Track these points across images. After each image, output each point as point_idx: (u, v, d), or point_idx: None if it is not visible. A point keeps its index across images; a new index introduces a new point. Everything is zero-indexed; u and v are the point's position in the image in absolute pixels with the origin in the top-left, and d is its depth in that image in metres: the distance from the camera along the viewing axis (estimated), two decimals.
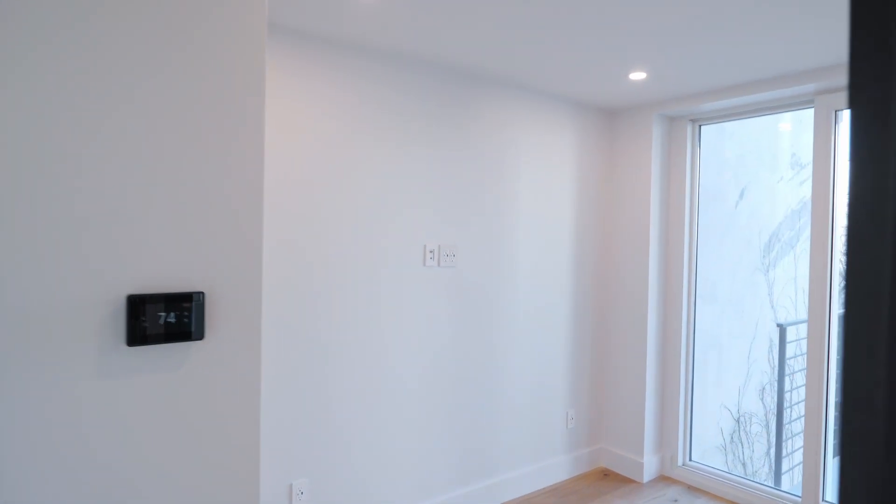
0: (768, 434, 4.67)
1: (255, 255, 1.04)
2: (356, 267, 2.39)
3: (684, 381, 3.28)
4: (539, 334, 3.09)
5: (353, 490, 2.41)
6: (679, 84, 2.79)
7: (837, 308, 2.69)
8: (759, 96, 2.77)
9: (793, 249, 4.92)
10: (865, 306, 0.42)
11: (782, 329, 3.99)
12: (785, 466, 4.33)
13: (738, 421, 4.43)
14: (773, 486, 3.08)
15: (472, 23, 2.06)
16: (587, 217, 3.31)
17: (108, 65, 0.91)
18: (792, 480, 4.35)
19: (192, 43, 0.98)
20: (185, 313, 0.94)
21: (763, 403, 4.66)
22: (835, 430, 2.72)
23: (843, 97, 2.60)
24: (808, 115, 4.70)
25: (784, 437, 4.30)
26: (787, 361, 4.09)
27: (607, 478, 3.26)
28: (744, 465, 4.47)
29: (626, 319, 3.33)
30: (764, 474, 4.58)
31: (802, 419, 4.36)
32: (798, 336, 4.45)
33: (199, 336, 0.97)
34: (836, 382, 2.68)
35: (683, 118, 3.24)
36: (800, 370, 4.41)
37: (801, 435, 4.45)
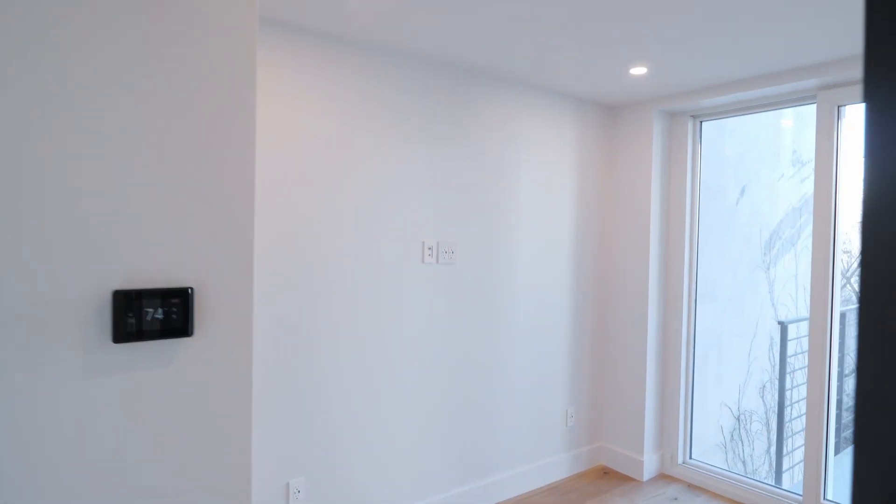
0: (768, 432, 4.66)
1: (246, 249, 1.01)
2: (354, 264, 2.37)
3: (684, 378, 3.26)
4: (538, 331, 3.07)
5: (351, 489, 2.39)
6: (680, 79, 2.76)
7: (839, 305, 2.67)
8: (760, 92, 2.74)
9: (793, 247, 4.90)
10: (880, 302, 0.40)
11: (783, 327, 3.97)
12: (785, 465, 4.31)
13: (738, 419, 4.42)
14: (773, 484, 3.06)
15: (471, 18, 2.03)
16: (587, 214, 3.29)
17: (93, 58, 0.88)
18: (792, 479, 4.34)
19: (183, 35, 0.95)
20: (174, 309, 0.92)
21: (763, 401, 4.64)
22: (836, 429, 2.70)
23: (845, 92, 2.57)
24: (810, 111, 4.67)
25: (784, 435, 4.28)
26: (788, 359, 4.07)
27: (607, 476, 3.25)
28: (744, 463, 4.45)
29: (626, 317, 3.30)
30: (764, 472, 4.56)
31: (802, 417, 4.35)
32: (798, 334, 4.43)
33: (188, 333, 0.94)
34: (838, 380, 2.66)
35: (684, 114, 3.21)
36: (800, 368, 4.39)
37: (802, 433, 4.44)
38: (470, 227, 2.75)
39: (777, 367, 4.57)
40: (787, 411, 4.24)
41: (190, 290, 0.94)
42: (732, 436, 4.37)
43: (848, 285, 5.81)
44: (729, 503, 2.93)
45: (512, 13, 2.00)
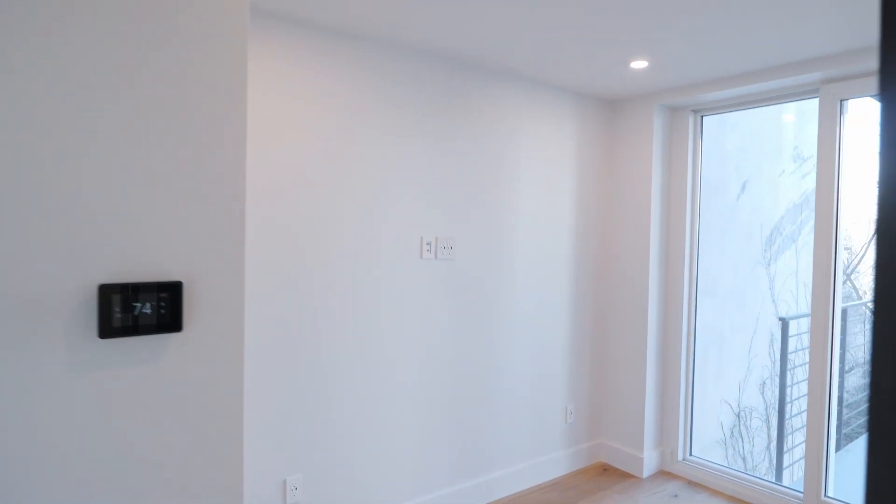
0: (768, 429, 4.64)
1: (237, 243, 0.99)
2: (351, 260, 2.34)
3: (685, 375, 3.24)
4: (537, 327, 3.05)
5: (349, 486, 2.37)
6: (681, 73, 2.73)
7: (840, 302, 2.65)
8: (762, 85, 2.71)
9: (794, 243, 4.88)
10: (895, 299, 0.38)
11: (784, 323, 3.95)
12: (785, 462, 4.30)
13: (738, 415, 4.40)
14: (774, 481, 3.04)
15: (470, 9, 2.00)
16: (587, 209, 3.26)
17: (78, 49, 0.85)
18: (792, 476, 4.32)
19: (174, 26, 0.93)
20: (162, 304, 0.89)
21: (763, 398, 4.63)
22: (837, 426, 2.68)
23: (848, 86, 2.55)
24: (812, 106, 4.64)
25: (785, 432, 4.27)
26: (789, 356, 4.05)
27: (607, 473, 3.23)
28: (744, 459, 4.44)
29: (627, 313, 3.28)
30: (764, 469, 4.55)
31: (802, 414, 4.33)
32: (799, 330, 4.42)
33: (177, 328, 0.92)
34: (839, 377, 2.64)
35: (685, 109, 3.18)
36: (800, 365, 4.37)
37: (802, 430, 4.43)
38: (469, 222, 2.72)
39: (777, 364, 4.55)
40: (788, 408, 4.22)
41: (179, 285, 0.91)
42: (732, 432, 4.36)
43: (848, 282, 5.79)
44: (729, 500, 2.92)
45: (511, 4, 1.97)
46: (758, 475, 3.06)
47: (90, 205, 0.86)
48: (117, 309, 0.86)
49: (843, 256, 2.66)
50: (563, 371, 3.19)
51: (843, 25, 2.11)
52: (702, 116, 3.19)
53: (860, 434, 4.69)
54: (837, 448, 3.73)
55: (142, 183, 0.90)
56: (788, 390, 4.14)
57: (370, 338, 2.41)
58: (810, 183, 4.87)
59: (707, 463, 3.14)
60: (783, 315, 4.66)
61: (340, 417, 2.34)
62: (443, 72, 2.59)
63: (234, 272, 0.99)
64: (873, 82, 2.48)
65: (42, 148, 0.83)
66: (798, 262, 4.90)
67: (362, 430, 2.40)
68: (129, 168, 0.90)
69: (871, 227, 5.65)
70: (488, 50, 2.47)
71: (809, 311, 2.74)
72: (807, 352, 4.32)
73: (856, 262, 5.85)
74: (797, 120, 4.92)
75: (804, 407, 4.32)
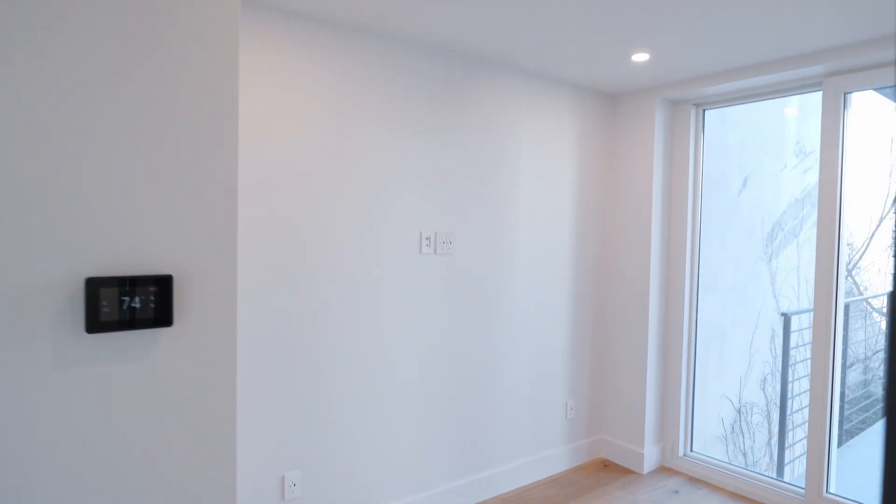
0: (769, 424, 4.63)
1: (229, 236, 0.96)
2: (350, 255, 2.32)
3: (685, 370, 3.22)
4: (538, 323, 3.03)
5: (347, 482, 2.35)
6: (683, 66, 2.70)
7: (843, 297, 2.62)
8: (765, 79, 2.68)
9: (796, 238, 4.86)
10: None
11: (787, 318, 3.93)
12: (786, 458, 4.28)
13: (738, 411, 4.39)
14: (775, 477, 3.03)
15: (471, 4, 1.97)
16: (588, 203, 3.24)
17: (66, 40, 0.83)
18: (793, 472, 4.31)
19: (166, 20, 0.90)
20: (151, 298, 0.87)
21: (764, 394, 4.61)
22: (839, 421, 2.66)
23: (852, 79, 2.51)
24: (814, 101, 4.61)
25: (786, 427, 4.25)
26: (790, 351, 4.03)
27: (607, 469, 3.22)
28: (744, 455, 4.43)
29: (628, 308, 3.26)
30: (764, 464, 4.54)
31: (804, 410, 4.32)
32: (800, 326, 4.39)
33: (168, 322, 0.90)
34: (841, 373, 2.62)
35: (687, 102, 3.15)
36: (801, 360, 4.35)
37: (803, 426, 4.41)
38: (468, 217, 2.70)
39: (778, 360, 4.54)
40: (789, 404, 4.21)
41: (169, 278, 0.89)
42: (733, 428, 4.35)
43: (849, 277, 5.76)
44: (730, 496, 2.90)
45: None
46: (759, 471, 3.04)
47: (77, 197, 0.84)
48: (105, 303, 0.84)
49: (845, 252, 2.63)
50: (563, 366, 3.18)
51: (847, 18, 2.07)
52: (704, 110, 3.16)
53: (861, 430, 4.67)
54: (839, 444, 3.72)
55: (132, 175, 0.88)
56: (790, 386, 4.12)
57: (369, 333, 2.39)
58: (812, 178, 4.84)
59: (708, 459, 3.12)
60: (785, 310, 4.64)
61: (339, 414, 2.32)
62: (441, 64, 2.56)
63: (226, 266, 0.96)
64: (878, 74, 2.45)
65: (26, 141, 0.81)
66: (800, 258, 4.88)
67: (361, 426, 2.39)
68: (118, 160, 0.87)
69: (872, 223, 5.63)
70: (488, 43, 2.44)
71: (811, 307, 2.71)
72: (808, 347, 4.30)
73: (857, 257, 5.82)
74: (799, 114, 4.89)
75: (805, 403, 4.30)
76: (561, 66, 2.77)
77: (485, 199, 2.76)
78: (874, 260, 5.86)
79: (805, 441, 4.31)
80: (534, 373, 3.03)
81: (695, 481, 3.07)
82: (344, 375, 2.33)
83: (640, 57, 2.58)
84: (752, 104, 3.03)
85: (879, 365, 5.40)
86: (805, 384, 4.28)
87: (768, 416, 4.62)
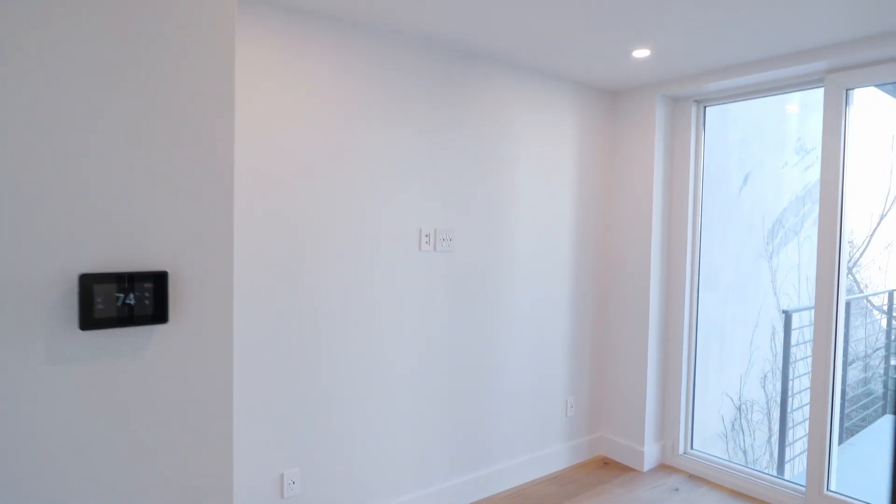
0: (769, 422, 4.62)
1: (225, 232, 0.95)
2: (349, 252, 2.31)
3: (686, 368, 3.21)
4: (538, 320, 3.02)
5: (347, 480, 2.35)
6: (684, 62, 2.69)
7: (844, 295, 2.61)
8: (766, 75, 2.67)
9: (797, 236, 4.84)
10: None
11: (787, 316, 3.92)
12: (787, 455, 4.28)
13: (739, 409, 4.38)
14: (775, 474, 3.02)
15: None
16: (588, 200, 3.23)
17: (58, 39, 0.82)
18: (793, 469, 4.31)
19: (162, 13, 0.89)
20: (146, 294, 0.86)
21: (765, 391, 4.61)
22: (840, 419, 2.65)
23: (854, 75, 2.50)
24: (815, 98, 4.59)
25: (787, 425, 4.25)
26: (791, 349, 4.02)
27: (607, 466, 3.21)
28: (744, 452, 4.43)
29: (628, 305, 3.25)
30: (765, 462, 4.53)
31: (804, 408, 4.31)
32: (801, 323, 4.38)
33: (163, 319, 0.89)
34: (842, 370, 2.61)
35: (688, 99, 3.14)
36: (801, 358, 4.34)
37: (803, 424, 4.41)
38: (468, 214, 2.69)
39: (779, 357, 4.53)
40: (790, 401, 4.20)
41: (164, 275, 0.88)
42: (734, 426, 4.34)
43: (850, 275, 5.75)
44: (730, 494, 2.90)
45: None
46: (759, 469, 3.03)
47: (71, 193, 0.83)
48: (99, 299, 0.83)
49: (846, 249, 2.62)
50: (564, 364, 3.17)
51: (849, 13, 2.06)
52: (704, 107, 3.15)
53: (862, 428, 4.67)
54: (839, 442, 3.71)
55: (127, 171, 0.87)
56: (790, 384, 4.12)
57: (369, 331, 2.38)
58: (813, 175, 4.82)
59: (708, 456, 3.12)
60: (785, 308, 4.63)
61: (338, 411, 2.31)
62: (441, 61, 2.55)
63: (222, 262, 0.95)
64: (880, 70, 2.44)
65: (19, 137, 0.80)
66: (800, 255, 4.87)
67: (361, 423, 2.38)
68: (113, 156, 0.86)
69: (873, 220, 5.61)
70: (488, 39, 2.42)
71: (811, 305, 2.70)
72: (808, 345, 4.29)
73: (858, 255, 5.81)
74: (800, 111, 4.87)
75: (805, 400, 4.29)
76: (561, 63, 2.75)
77: (484, 195, 2.75)
78: (875, 257, 5.85)
79: (805, 439, 4.31)
80: (534, 371, 3.02)
81: (695, 479, 3.07)
82: (343, 373, 2.32)
83: (641, 53, 2.56)
84: (753, 101, 3.01)
85: (880, 363, 5.39)
86: (805, 382, 4.27)
87: (769, 413, 4.61)
